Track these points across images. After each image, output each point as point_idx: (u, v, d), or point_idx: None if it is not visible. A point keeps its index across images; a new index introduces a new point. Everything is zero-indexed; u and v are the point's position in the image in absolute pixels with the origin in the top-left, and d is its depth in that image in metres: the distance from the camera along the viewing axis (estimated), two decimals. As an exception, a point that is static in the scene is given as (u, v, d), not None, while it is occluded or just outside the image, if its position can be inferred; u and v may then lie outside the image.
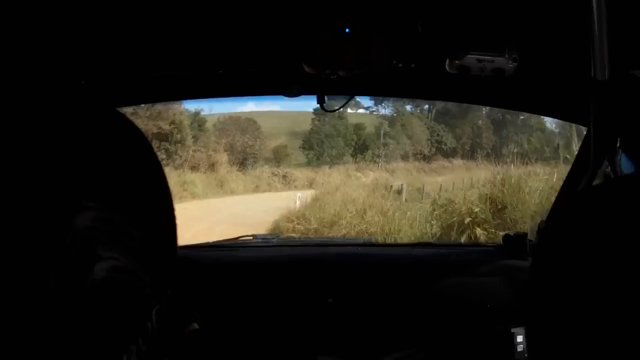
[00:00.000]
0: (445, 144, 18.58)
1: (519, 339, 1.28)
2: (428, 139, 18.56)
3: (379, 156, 16.88)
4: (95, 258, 0.32)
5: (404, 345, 1.38)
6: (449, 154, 18.50)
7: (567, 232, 0.39)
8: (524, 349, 1.27)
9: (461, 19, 0.98)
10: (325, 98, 1.22)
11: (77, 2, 0.88)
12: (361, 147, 17.11)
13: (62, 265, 0.30)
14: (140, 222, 0.36)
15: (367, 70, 1.05)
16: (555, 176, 6.78)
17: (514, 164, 8.09)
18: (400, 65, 1.07)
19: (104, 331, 0.32)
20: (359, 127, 16.96)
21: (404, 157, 17.41)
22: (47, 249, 0.30)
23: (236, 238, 1.91)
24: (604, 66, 0.83)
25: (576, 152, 1.51)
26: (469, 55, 0.98)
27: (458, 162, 17.99)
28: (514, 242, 1.58)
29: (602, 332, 0.34)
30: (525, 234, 1.60)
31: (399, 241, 6.29)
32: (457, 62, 0.99)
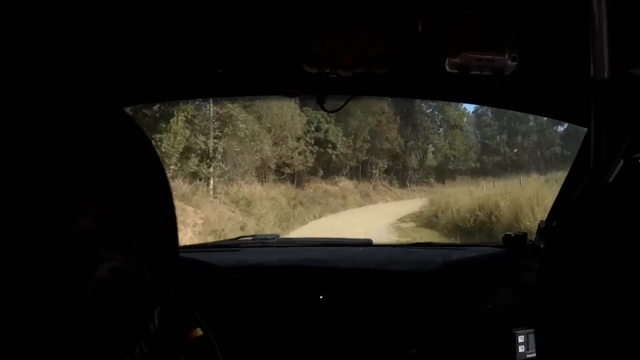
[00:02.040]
0: (334, 146, 10.38)
1: (521, 339, 1.28)
2: (300, 137, 10.05)
3: (210, 158, 8.86)
4: (97, 259, 0.32)
5: (405, 345, 1.38)
6: (335, 168, 10.51)
7: (574, 235, 0.39)
8: (525, 349, 1.27)
9: (461, 18, 0.98)
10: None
11: (77, 2, 0.88)
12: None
13: (64, 266, 0.30)
14: (141, 222, 0.36)
15: (367, 69, 1.05)
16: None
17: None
18: (400, 64, 1.07)
19: (106, 332, 0.32)
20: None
21: (259, 170, 8.58)
22: (48, 250, 0.30)
23: (236, 238, 1.91)
24: (604, 66, 0.83)
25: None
26: (468, 54, 0.98)
27: (347, 184, 10.50)
28: (514, 242, 1.58)
29: (608, 330, 0.34)
30: (525, 234, 1.60)
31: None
32: (456, 60, 0.99)
